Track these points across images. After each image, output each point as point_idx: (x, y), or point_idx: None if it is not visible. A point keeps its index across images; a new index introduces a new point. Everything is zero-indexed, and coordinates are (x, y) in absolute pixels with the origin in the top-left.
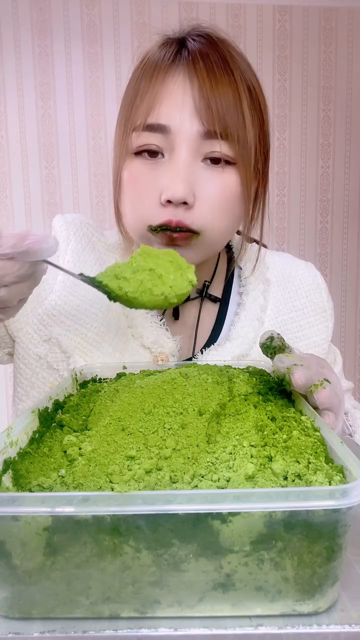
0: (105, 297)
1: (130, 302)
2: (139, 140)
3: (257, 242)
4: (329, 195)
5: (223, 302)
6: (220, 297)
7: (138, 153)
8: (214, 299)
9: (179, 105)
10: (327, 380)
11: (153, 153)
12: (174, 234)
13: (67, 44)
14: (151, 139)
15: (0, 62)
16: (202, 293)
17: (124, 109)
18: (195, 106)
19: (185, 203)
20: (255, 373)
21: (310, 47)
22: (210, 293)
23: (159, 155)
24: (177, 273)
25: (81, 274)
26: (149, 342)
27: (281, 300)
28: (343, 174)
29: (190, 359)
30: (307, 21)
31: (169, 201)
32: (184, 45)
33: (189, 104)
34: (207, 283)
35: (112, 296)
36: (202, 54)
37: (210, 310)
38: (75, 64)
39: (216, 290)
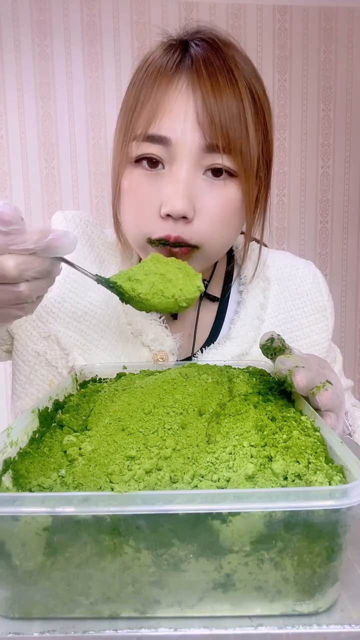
0: (104, 295)
1: (142, 304)
2: (139, 149)
3: (258, 242)
4: (329, 195)
5: (222, 301)
6: (219, 296)
7: (138, 161)
8: (212, 298)
9: (181, 118)
10: (329, 382)
11: (153, 163)
12: (173, 249)
13: (67, 44)
14: (151, 149)
15: (0, 62)
16: None
17: (124, 116)
18: (198, 119)
19: (184, 217)
20: (255, 373)
21: (310, 47)
22: (209, 292)
23: (159, 166)
24: (185, 279)
25: (96, 275)
26: (148, 340)
27: (281, 298)
28: (343, 174)
29: (189, 358)
30: (307, 21)
31: (168, 215)
32: (187, 51)
33: (191, 117)
34: (205, 282)
35: (125, 297)
36: (205, 61)
37: (209, 310)
38: (75, 64)
39: (215, 289)
